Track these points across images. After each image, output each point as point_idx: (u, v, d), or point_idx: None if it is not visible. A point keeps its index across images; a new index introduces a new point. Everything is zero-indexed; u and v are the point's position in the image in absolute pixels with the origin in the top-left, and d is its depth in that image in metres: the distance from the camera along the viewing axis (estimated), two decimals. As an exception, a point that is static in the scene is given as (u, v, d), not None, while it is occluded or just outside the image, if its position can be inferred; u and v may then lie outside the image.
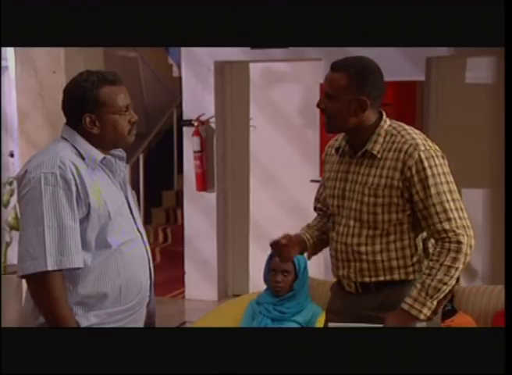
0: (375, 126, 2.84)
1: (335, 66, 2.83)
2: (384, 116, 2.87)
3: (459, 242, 2.69)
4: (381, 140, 2.82)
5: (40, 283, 2.54)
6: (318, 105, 2.88)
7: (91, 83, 2.64)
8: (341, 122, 2.83)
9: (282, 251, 3.01)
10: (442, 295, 2.73)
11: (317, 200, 3.16)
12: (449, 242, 2.70)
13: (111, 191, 2.70)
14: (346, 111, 2.80)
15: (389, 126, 2.85)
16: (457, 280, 4.20)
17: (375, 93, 2.82)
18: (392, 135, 2.82)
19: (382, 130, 2.83)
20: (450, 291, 2.80)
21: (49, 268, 2.51)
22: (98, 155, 2.68)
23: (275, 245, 3.02)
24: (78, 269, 2.58)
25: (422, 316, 2.71)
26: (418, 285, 2.72)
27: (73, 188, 2.57)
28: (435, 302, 2.71)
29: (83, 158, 2.65)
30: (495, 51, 5.47)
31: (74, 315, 2.58)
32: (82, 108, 2.65)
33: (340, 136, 2.99)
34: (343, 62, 2.82)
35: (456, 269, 2.70)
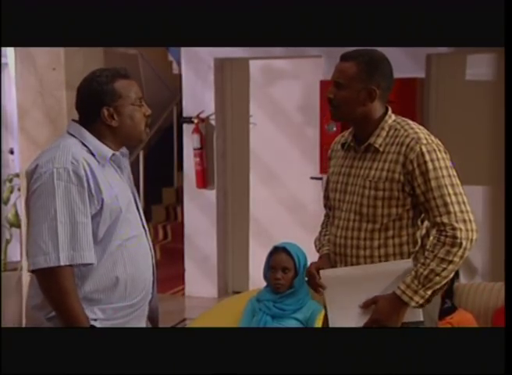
0: (380, 120, 2.87)
1: (345, 56, 2.85)
2: (389, 112, 2.90)
3: (454, 237, 2.69)
4: (384, 134, 2.84)
5: (51, 278, 2.54)
6: (327, 95, 2.88)
7: (106, 77, 2.68)
8: (349, 111, 2.85)
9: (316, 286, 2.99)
10: (438, 286, 2.74)
11: (325, 197, 3.16)
12: (446, 236, 2.70)
13: (121, 187, 2.72)
14: (354, 100, 2.82)
15: (394, 121, 2.87)
16: (457, 276, 4.24)
17: (384, 84, 2.84)
18: (395, 130, 2.84)
19: (386, 125, 2.86)
20: (447, 283, 2.80)
21: (61, 263, 2.52)
22: (108, 151, 2.70)
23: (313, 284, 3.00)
24: (89, 264, 2.58)
25: (413, 303, 2.72)
26: (413, 273, 2.73)
27: (85, 184, 2.58)
28: (428, 292, 2.72)
29: (93, 155, 2.66)
30: (495, 49, 5.47)
31: (83, 308, 2.59)
32: (99, 102, 2.67)
33: (347, 132, 3.02)
34: (354, 52, 2.85)
35: (450, 262, 2.69)
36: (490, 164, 6.10)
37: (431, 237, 2.80)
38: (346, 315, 2.84)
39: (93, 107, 2.69)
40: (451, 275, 2.75)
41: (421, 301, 2.73)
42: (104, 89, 2.67)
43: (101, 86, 2.67)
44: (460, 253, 2.70)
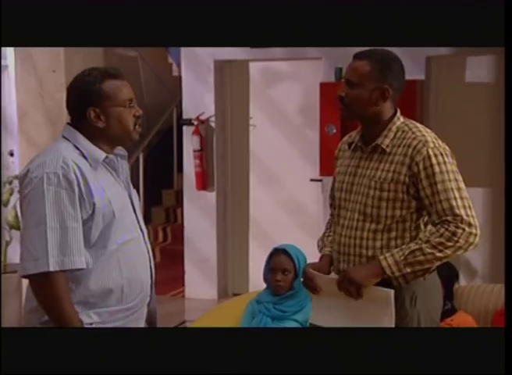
0: (389, 121, 2.88)
1: (358, 55, 2.87)
2: (398, 113, 2.91)
3: (454, 234, 2.70)
4: (391, 135, 2.85)
5: (42, 283, 2.53)
6: (338, 93, 2.88)
7: (94, 78, 2.66)
8: (360, 110, 2.86)
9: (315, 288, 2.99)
10: (418, 267, 2.75)
11: (331, 197, 3.16)
12: (446, 230, 2.71)
13: (115, 190, 2.70)
14: (367, 99, 2.83)
15: (402, 123, 2.89)
16: (457, 278, 4.24)
17: (396, 84, 2.86)
18: (403, 131, 2.85)
19: (394, 126, 2.87)
20: (428, 269, 2.82)
21: (51, 269, 2.50)
22: (100, 154, 2.68)
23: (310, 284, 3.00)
24: (80, 269, 2.57)
25: (388, 271, 2.75)
26: (403, 246, 2.77)
27: (76, 188, 2.56)
28: (408, 269, 2.74)
29: (86, 158, 2.65)
30: (495, 50, 5.47)
31: (77, 313, 2.58)
32: (86, 102, 2.65)
33: (354, 132, 3.03)
34: (367, 51, 2.86)
35: (440, 251, 2.70)
36: (490, 166, 6.10)
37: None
38: (330, 318, 2.88)
39: (80, 107, 2.67)
40: (436, 262, 2.77)
41: (396, 273, 2.75)
42: (92, 89, 2.65)
43: (88, 86, 2.65)
44: (453, 249, 2.71)
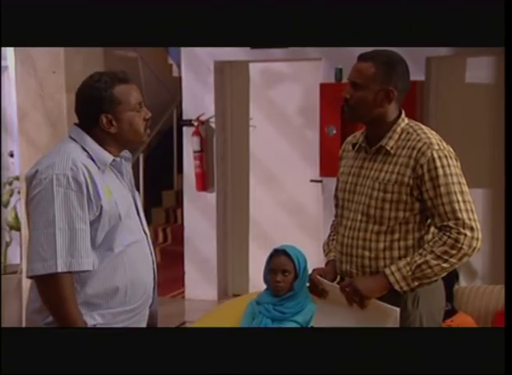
0: (393, 122, 2.87)
1: (363, 56, 2.85)
2: (403, 115, 2.90)
3: (457, 240, 2.70)
4: (396, 136, 2.85)
5: (50, 284, 2.54)
6: (343, 95, 2.88)
7: (105, 84, 2.66)
8: (365, 112, 2.85)
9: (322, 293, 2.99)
10: (426, 280, 2.75)
11: (335, 197, 3.16)
12: (448, 237, 2.71)
13: (120, 192, 2.71)
14: (372, 101, 2.82)
15: (407, 124, 2.88)
16: (457, 279, 4.24)
17: (401, 85, 2.85)
18: (408, 133, 2.84)
19: (398, 128, 2.86)
20: (436, 280, 2.81)
21: (59, 270, 2.51)
22: (109, 157, 2.69)
23: (316, 290, 3.00)
24: (87, 271, 2.58)
25: (397, 287, 2.75)
26: (408, 259, 2.76)
27: (85, 190, 2.57)
28: (416, 282, 2.74)
29: (93, 160, 2.65)
30: (495, 51, 5.47)
31: (81, 315, 2.59)
32: (98, 108, 2.65)
33: (358, 133, 3.02)
34: (372, 52, 2.85)
35: (445, 260, 2.71)
36: (490, 166, 6.10)
37: (433, 236, 2.81)
38: (332, 325, 2.86)
39: (92, 113, 2.67)
40: (443, 273, 2.77)
41: (405, 288, 2.75)
42: (103, 95, 2.65)
43: (99, 92, 2.65)
44: (458, 256, 2.71)
